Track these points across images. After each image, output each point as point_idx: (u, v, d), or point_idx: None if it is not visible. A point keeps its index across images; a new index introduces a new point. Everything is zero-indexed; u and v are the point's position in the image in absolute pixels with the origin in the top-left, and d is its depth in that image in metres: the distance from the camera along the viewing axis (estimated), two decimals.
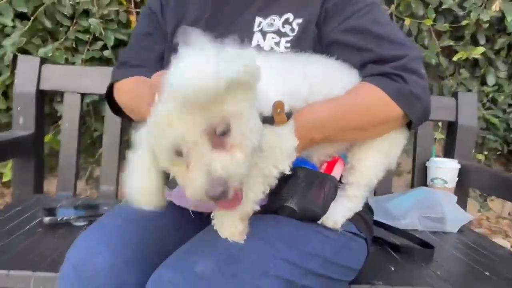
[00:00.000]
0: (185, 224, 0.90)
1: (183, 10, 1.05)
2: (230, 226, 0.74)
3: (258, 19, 0.97)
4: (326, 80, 0.85)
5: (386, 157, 0.93)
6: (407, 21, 2.08)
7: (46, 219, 1.22)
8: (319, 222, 0.86)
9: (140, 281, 0.73)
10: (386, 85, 0.84)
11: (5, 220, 1.25)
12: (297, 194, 0.83)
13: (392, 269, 1.11)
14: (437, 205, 1.46)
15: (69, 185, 1.57)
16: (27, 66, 1.55)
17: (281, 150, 0.73)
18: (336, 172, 0.90)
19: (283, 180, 0.83)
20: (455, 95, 1.71)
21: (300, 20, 0.94)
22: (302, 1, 0.95)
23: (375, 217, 1.43)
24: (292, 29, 0.94)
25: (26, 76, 1.54)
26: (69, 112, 1.58)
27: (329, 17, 0.92)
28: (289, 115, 0.75)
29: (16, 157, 1.54)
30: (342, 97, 0.85)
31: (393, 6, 2.09)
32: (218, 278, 0.66)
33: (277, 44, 0.94)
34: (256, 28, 0.96)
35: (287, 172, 0.76)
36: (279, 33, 0.94)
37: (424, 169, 1.67)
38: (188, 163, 0.59)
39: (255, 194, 0.74)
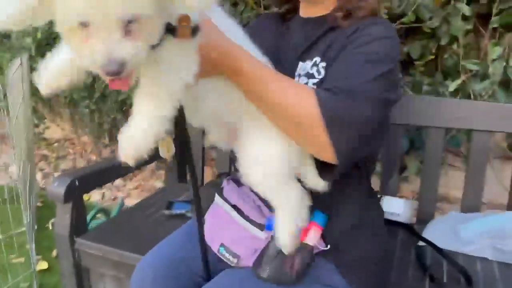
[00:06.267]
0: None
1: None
2: None
3: (300, 64, 1.06)
4: None
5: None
6: None
7: (166, 212, 1.69)
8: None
9: None
10: (319, 91, 0.88)
11: (146, 207, 1.77)
12: (268, 264, 0.98)
13: None
14: None
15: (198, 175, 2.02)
16: None
17: (181, 60, 0.74)
18: (311, 237, 0.99)
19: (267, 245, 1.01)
20: None
21: (324, 64, 1.00)
22: (327, 46, 1.02)
23: (446, 236, 1.41)
24: (318, 71, 1.00)
25: None
26: None
27: None
28: (195, 29, 0.73)
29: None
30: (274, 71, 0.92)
31: None
32: None
33: (306, 84, 1.00)
34: (296, 72, 1.05)
35: (190, 82, 0.75)
36: (308, 75, 1.02)
37: None
38: (89, 35, 0.62)
39: (159, 108, 0.74)
